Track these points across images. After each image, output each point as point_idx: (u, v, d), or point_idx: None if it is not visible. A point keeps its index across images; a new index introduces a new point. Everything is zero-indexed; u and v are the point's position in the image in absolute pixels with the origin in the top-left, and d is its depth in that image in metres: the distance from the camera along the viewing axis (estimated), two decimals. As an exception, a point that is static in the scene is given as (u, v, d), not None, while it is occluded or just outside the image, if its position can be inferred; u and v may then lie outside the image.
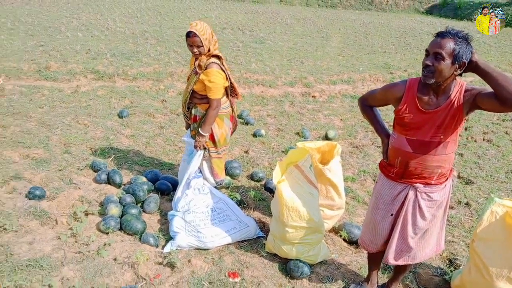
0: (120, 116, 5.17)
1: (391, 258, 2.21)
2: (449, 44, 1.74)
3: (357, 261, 2.83)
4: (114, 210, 2.99)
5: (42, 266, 2.45)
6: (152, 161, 4.11)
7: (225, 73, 2.94)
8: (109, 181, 3.49)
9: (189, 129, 3.30)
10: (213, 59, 2.88)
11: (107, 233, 2.83)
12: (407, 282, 2.65)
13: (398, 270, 2.43)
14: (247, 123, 5.29)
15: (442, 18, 20.79)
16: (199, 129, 3.01)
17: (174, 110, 5.61)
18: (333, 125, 5.53)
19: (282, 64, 8.41)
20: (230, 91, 3.14)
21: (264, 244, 2.89)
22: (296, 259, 2.65)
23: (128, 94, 6.09)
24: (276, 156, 4.42)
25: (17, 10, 13.63)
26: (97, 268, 2.49)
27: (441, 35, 1.79)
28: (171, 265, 2.58)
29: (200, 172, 3.24)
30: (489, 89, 1.76)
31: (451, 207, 3.57)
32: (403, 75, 8.17)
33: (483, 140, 5.21)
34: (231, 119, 3.24)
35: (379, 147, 4.82)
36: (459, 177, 4.17)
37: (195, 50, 2.81)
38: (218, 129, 3.12)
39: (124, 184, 3.54)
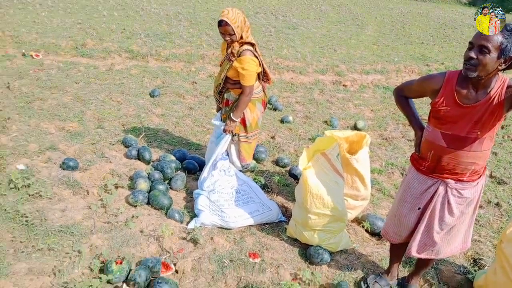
0: (152, 95, 5.28)
1: (414, 250, 2.18)
2: (497, 37, 1.66)
3: (378, 252, 2.81)
4: (143, 185, 3.10)
5: (73, 232, 2.58)
6: (180, 140, 4.19)
7: (258, 59, 2.93)
8: (139, 157, 3.60)
9: (219, 111, 3.33)
10: (246, 46, 2.86)
11: (135, 206, 2.94)
12: (428, 278, 2.61)
13: (420, 265, 2.40)
14: (275, 109, 5.28)
15: (486, 11, 19.68)
16: (231, 114, 3.04)
17: (203, 92, 5.67)
18: (362, 115, 5.43)
19: (314, 51, 8.28)
20: (262, 76, 3.13)
21: (286, 228, 2.92)
22: (317, 246, 2.67)
23: (160, 74, 6.20)
24: (302, 143, 4.41)
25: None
26: (124, 238, 2.60)
27: (488, 27, 1.70)
28: (194, 241, 2.65)
29: (227, 154, 3.28)
30: None
31: (480, 206, 3.46)
32: (439, 68, 7.87)
33: (521, 140, 4.98)
34: (263, 103, 3.25)
35: (410, 140, 4.70)
36: (491, 176, 4.02)
37: (227, 38, 2.81)
38: (250, 113, 3.14)
39: (153, 161, 3.64)
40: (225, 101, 3.18)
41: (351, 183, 2.91)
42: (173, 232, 2.70)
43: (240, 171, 3.38)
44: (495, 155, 4.48)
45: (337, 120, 5.03)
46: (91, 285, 2.11)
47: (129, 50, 7.02)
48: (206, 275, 2.43)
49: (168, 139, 4.16)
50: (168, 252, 2.56)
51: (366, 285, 2.45)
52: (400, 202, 2.20)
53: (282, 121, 4.93)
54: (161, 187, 3.11)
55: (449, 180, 1.99)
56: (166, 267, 2.39)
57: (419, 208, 2.13)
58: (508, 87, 1.75)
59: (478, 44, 1.70)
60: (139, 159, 3.62)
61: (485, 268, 2.66)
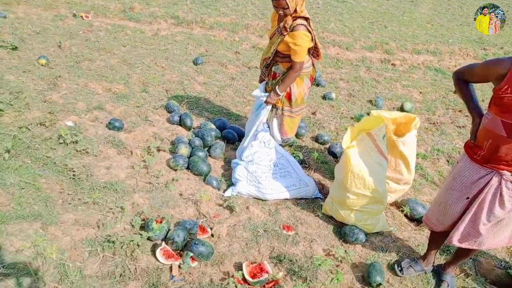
0: (195, 63, 5.30)
1: (455, 240, 2.10)
2: None
3: (416, 238, 2.74)
4: (184, 150, 3.16)
5: (116, 189, 2.69)
6: (221, 109, 4.21)
7: (311, 34, 2.82)
8: (181, 123, 3.66)
9: (262, 83, 3.27)
10: (300, 21, 2.74)
11: (175, 170, 3.02)
12: (465, 268, 2.52)
13: (460, 254, 2.32)
14: (318, 85, 5.15)
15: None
16: (276, 87, 2.98)
17: (246, 62, 5.61)
18: (410, 97, 5.19)
19: (363, 26, 7.92)
20: (313, 52, 3.02)
21: (321, 205, 2.90)
22: (353, 225, 2.63)
23: (204, 42, 6.19)
24: (344, 122, 4.29)
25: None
26: (164, 199, 2.69)
27: None
28: (230, 209, 2.70)
29: (268, 127, 3.26)
30: None
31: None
32: (497, 53, 7.31)
33: None
34: (311, 78, 3.16)
35: (459, 127, 4.46)
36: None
37: (281, 12, 2.70)
38: (297, 88, 3.07)
39: (194, 128, 3.69)
40: (272, 74, 3.11)
41: (395, 166, 2.82)
42: (211, 198, 2.76)
43: (280, 145, 3.36)
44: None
45: (383, 100, 4.84)
46: (132, 240, 2.21)
47: (175, 16, 7.02)
48: (241, 242, 2.47)
49: (209, 108, 4.19)
50: (205, 216, 2.62)
51: (400, 268, 2.41)
52: (447, 190, 2.10)
53: (324, 97, 4.81)
54: (200, 153, 3.16)
55: (504, 172, 1.87)
56: (203, 230, 2.46)
57: (467, 198, 2.02)
58: None
59: None
60: (180, 125, 3.68)
61: (531, 266, 2.53)
